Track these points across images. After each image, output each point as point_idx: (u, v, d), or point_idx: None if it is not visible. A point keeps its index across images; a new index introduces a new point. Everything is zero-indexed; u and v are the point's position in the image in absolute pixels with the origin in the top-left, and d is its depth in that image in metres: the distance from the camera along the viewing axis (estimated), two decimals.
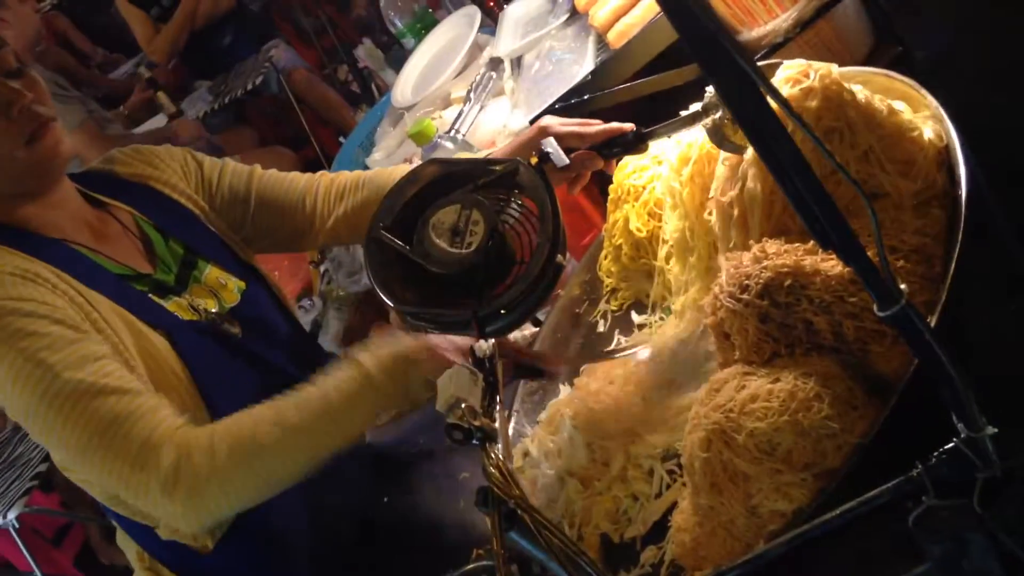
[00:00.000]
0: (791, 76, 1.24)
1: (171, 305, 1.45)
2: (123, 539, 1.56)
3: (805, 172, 0.81)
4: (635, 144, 1.43)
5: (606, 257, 1.65)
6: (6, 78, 1.33)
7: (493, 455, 0.95)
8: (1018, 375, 1.10)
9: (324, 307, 2.21)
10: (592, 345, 1.63)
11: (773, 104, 0.80)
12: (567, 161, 1.31)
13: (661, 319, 1.54)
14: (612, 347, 1.56)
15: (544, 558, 0.92)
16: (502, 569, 0.89)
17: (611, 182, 1.62)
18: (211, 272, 1.52)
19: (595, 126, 1.45)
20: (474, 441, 0.97)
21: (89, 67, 5.98)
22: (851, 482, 1.01)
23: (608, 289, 1.68)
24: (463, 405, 0.98)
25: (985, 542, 0.95)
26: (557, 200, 1.17)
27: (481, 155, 1.60)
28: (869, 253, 1.01)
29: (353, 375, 1.25)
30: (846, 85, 1.19)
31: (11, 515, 2.97)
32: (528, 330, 1.80)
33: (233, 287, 1.54)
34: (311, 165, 4.19)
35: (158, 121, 4.98)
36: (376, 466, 1.72)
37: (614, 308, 1.66)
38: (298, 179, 1.63)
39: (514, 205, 1.18)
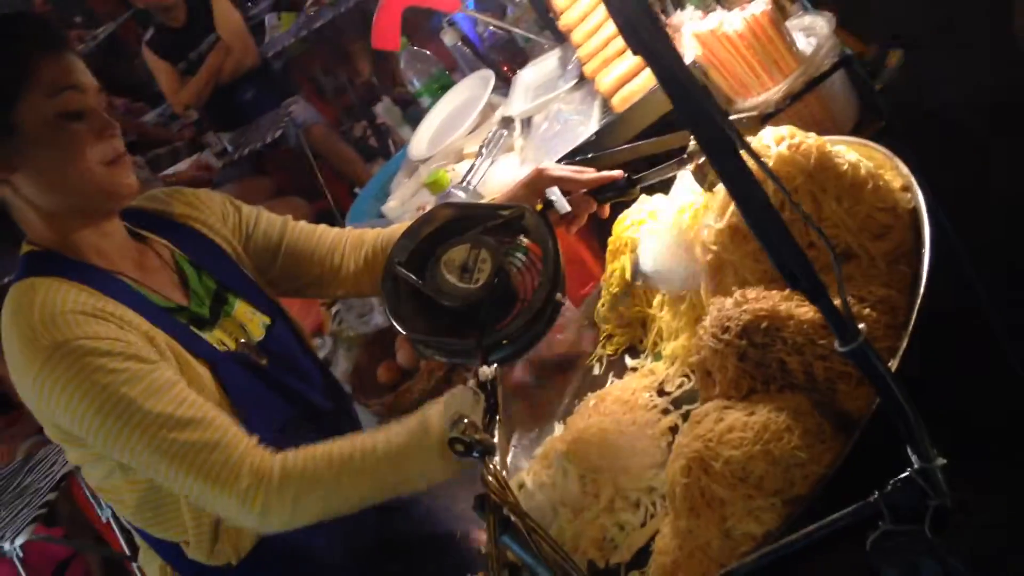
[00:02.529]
0: (782, 136, 1.36)
1: (208, 337, 1.54)
2: (145, 556, 1.64)
3: (778, 224, 0.93)
4: (626, 189, 1.54)
5: (603, 305, 1.76)
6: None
7: (491, 466, 1.04)
8: (974, 414, 1.20)
9: (334, 345, 2.32)
10: (587, 387, 1.73)
11: (752, 164, 0.92)
12: (569, 209, 1.42)
13: (652, 363, 1.64)
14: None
15: (533, 562, 1.01)
16: (496, 568, 0.98)
17: (611, 235, 1.74)
18: (240, 307, 1.61)
19: (589, 172, 1.56)
20: (474, 454, 1.07)
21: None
22: (816, 508, 1.10)
23: (604, 335, 1.78)
24: (465, 421, 1.08)
25: (936, 566, 1.03)
26: (559, 244, 1.28)
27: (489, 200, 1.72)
28: (839, 303, 1.13)
29: (419, 434, 1.30)
30: (836, 155, 1.30)
31: (18, 542, 3.03)
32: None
33: (259, 322, 1.63)
34: (324, 216, 4.32)
35: (181, 167, 5.15)
36: None
37: (610, 352, 1.76)
38: (327, 233, 1.74)
39: (519, 247, 1.29)
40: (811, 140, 1.33)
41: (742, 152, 0.90)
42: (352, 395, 2.16)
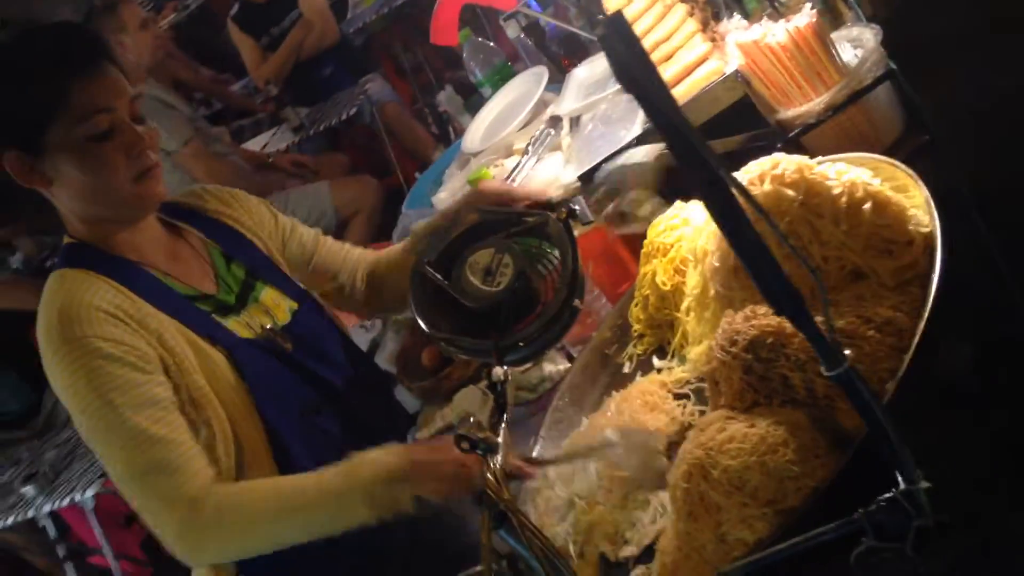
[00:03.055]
0: (764, 173, 1.39)
1: (231, 324, 1.64)
2: None
3: (765, 255, 0.97)
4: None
5: (636, 305, 1.81)
6: (133, 123, 1.54)
7: (492, 464, 1.11)
8: (968, 442, 1.23)
9: (383, 328, 2.41)
10: (616, 384, 1.79)
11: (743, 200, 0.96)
12: (592, 219, 1.48)
13: (679, 365, 1.69)
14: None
15: (526, 554, 1.08)
16: (488, 558, 1.06)
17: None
18: (268, 293, 1.71)
19: (523, 191, 1.61)
20: (478, 451, 1.14)
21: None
22: (807, 520, 1.14)
23: (636, 334, 1.83)
24: (472, 420, 1.15)
25: None
26: (579, 251, 1.34)
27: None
28: (843, 321, 1.17)
29: (350, 481, 1.43)
30: (827, 179, 1.34)
31: (89, 492, 3.21)
32: (562, 365, 1.96)
33: (286, 307, 1.72)
34: (394, 194, 4.42)
35: (261, 139, 5.31)
36: None
37: (639, 352, 1.81)
38: (351, 255, 1.86)
39: (541, 253, 1.35)
40: (792, 168, 1.35)
41: (732, 189, 0.94)
42: (396, 377, 2.24)
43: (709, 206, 0.95)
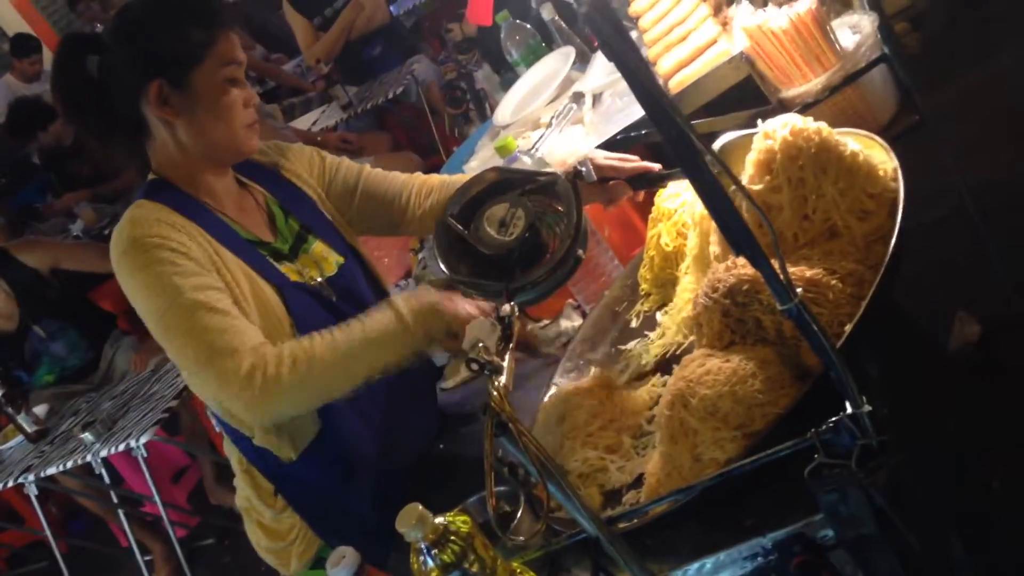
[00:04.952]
0: (786, 122, 1.55)
1: (284, 268, 1.84)
2: (228, 446, 1.97)
3: (728, 205, 1.14)
4: (657, 181, 1.77)
5: (644, 266, 1.98)
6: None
7: (497, 382, 1.29)
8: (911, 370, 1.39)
9: (417, 287, 2.60)
10: (623, 338, 1.96)
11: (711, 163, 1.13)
12: (595, 178, 1.65)
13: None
14: None
15: (523, 459, 1.26)
16: (490, 459, 1.24)
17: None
18: (318, 247, 1.92)
19: (631, 163, 1.80)
20: (485, 371, 1.32)
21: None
22: (770, 442, 1.30)
23: (643, 293, 2.01)
24: (481, 345, 1.33)
25: (860, 496, 1.23)
26: (583, 207, 1.52)
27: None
28: (812, 272, 1.34)
29: (391, 317, 1.64)
30: (840, 141, 1.49)
31: (143, 439, 3.42)
32: (576, 322, 2.13)
33: (333, 261, 1.92)
34: (437, 170, 4.59)
35: (311, 117, 5.51)
36: (439, 419, 2.11)
37: (646, 309, 1.98)
38: (397, 178, 2.04)
39: (550, 207, 1.53)
40: (812, 126, 1.52)
41: (696, 144, 1.11)
42: None
43: (677, 159, 1.12)
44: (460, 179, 2.02)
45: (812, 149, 1.50)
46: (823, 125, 1.55)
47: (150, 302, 1.66)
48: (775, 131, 1.53)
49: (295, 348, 1.62)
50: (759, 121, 1.60)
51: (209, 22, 1.73)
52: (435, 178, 2.03)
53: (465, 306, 1.63)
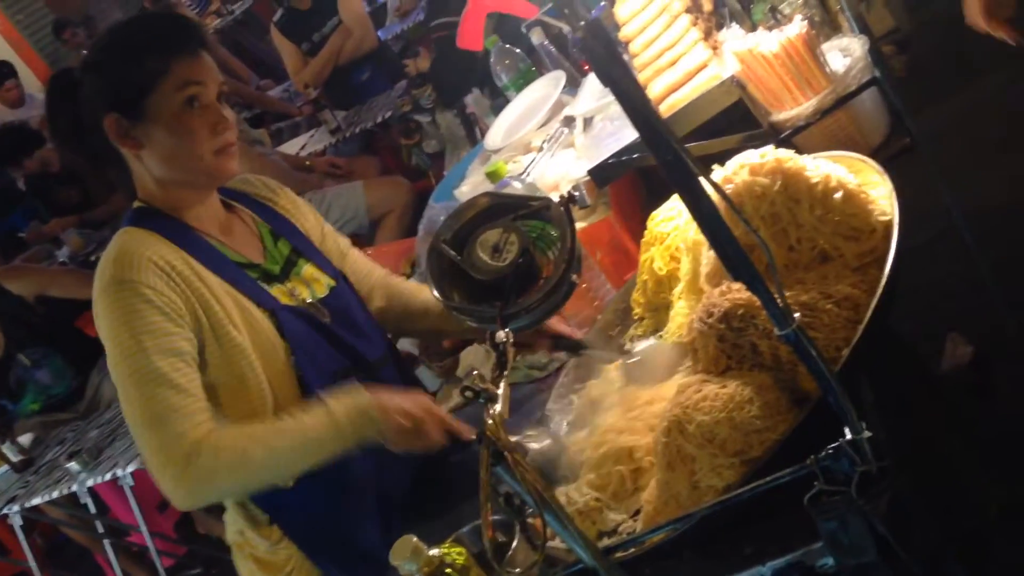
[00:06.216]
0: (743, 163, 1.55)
1: (274, 291, 1.83)
2: None
3: (725, 231, 1.13)
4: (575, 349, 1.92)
5: (636, 290, 1.97)
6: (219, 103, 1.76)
7: (492, 410, 1.27)
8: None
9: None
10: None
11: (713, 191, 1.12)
12: (589, 202, 1.64)
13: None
14: None
15: (520, 489, 1.24)
16: (486, 490, 1.22)
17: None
18: (308, 269, 1.91)
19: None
20: (480, 399, 1.30)
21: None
22: (769, 468, 1.29)
23: (636, 317, 1.99)
24: (475, 372, 1.32)
25: (861, 523, 1.21)
26: (576, 232, 1.51)
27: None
28: (807, 296, 1.33)
29: (324, 420, 1.66)
30: (805, 169, 1.49)
31: (129, 468, 3.39)
32: None
33: (324, 283, 1.91)
34: (425, 195, 4.59)
35: (299, 141, 5.51)
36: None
37: (639, 333, 1.97)
38: (372, 274, 2.07)
39: (544, 233, 1.52)
40: (770, 158, 1.52)
41: (693, 169, 1.10)
42: (419, 357, 2.42)
43: (673, 184, 1.11)
44: (422, 291, 2.08)
45: (777, 183, 1.50)
46: (783, 153, 1.55)
47: (116, 351, 1.66)
48: (734, 174, 1.53)
49: (235, 441, 1.64)
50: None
51: (164, 50, 1.70)
52: (400, 285, 2.11)
53: (399, 406, 1.67)
